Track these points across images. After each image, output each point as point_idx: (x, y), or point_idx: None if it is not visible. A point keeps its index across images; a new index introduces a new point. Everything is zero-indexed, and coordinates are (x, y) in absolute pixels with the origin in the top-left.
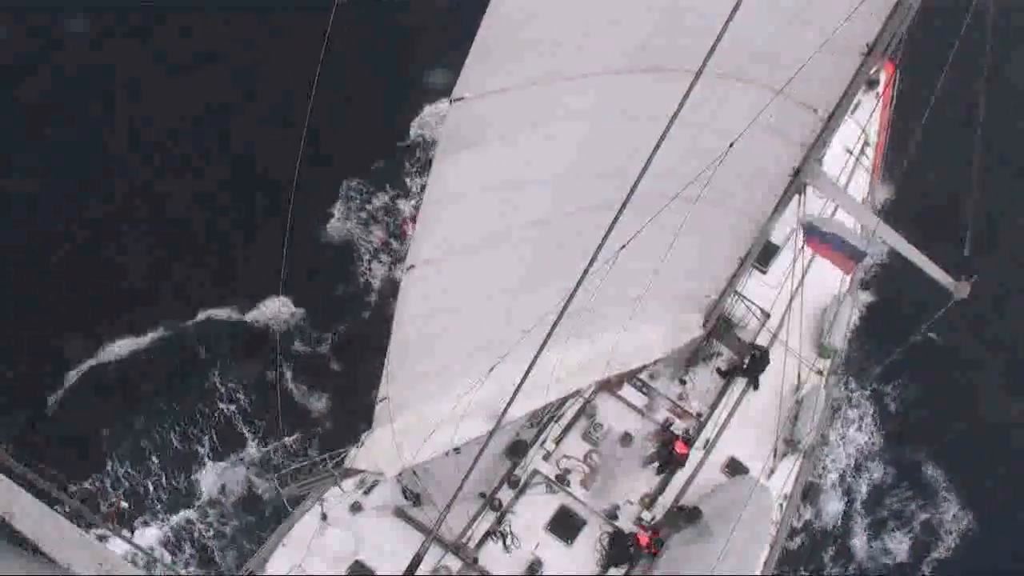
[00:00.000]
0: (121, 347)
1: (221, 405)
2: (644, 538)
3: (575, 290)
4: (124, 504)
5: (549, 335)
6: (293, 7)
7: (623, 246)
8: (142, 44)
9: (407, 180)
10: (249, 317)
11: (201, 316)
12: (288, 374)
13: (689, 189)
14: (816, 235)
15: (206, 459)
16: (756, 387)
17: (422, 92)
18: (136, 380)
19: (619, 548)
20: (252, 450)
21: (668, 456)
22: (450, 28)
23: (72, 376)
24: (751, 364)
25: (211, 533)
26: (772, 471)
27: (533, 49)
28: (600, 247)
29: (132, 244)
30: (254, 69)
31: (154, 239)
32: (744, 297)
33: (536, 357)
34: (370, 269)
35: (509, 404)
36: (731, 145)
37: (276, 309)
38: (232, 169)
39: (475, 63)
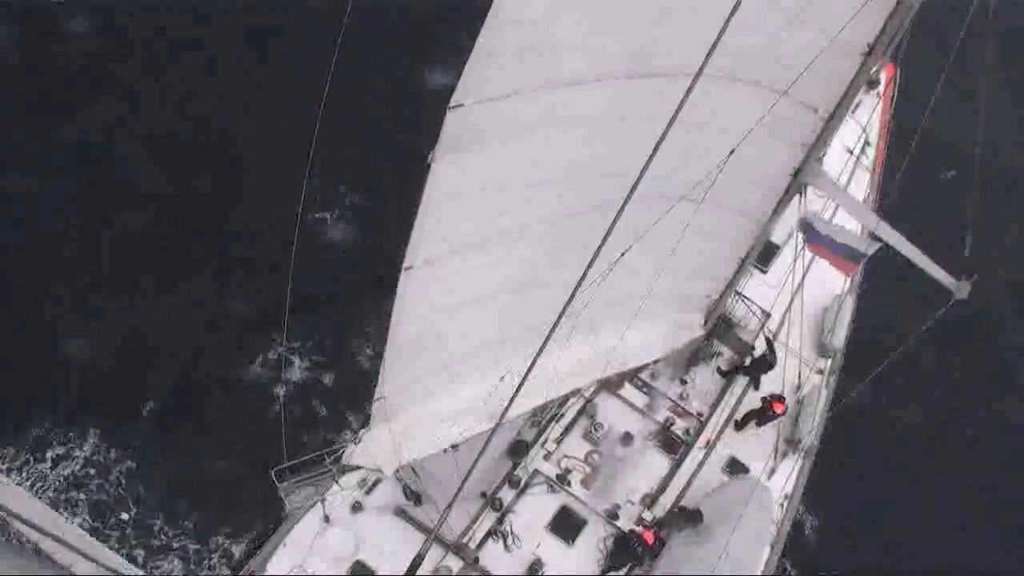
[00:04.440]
0: (120, 346)
1: (223, 406)
2: (649, 535)
3: (575, 291)
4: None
5: (549, 336)
6: (294, 7)
7: (622, 254)
8: (143, 44)
9: (406, 182)
10: (250, 317)
11: (202, 313)
12: (287, 373)
13: (692, 192)
14: (814, 237)
15: (204, 460)
16: (757, 387)
17: (422, 92)
18: (135, 378)
19: (622, 551)
20: (251, 449)
21: (768, 417)
22: (451, 29)
23: (71, 376)
24: (753, 364)
25: (210, 533)
26: (773, 471)
27: (532, 53)
28: (599, 248)
29: (132, 244)
30: (255, 69)
31: (154, 239)
32: (744, 297)
33: (536, 358)
34: (369, 268)
35: (509, 404)
36: (730, 153)
37: (278, 308)
38: (233, 168)
39: (474, 69)
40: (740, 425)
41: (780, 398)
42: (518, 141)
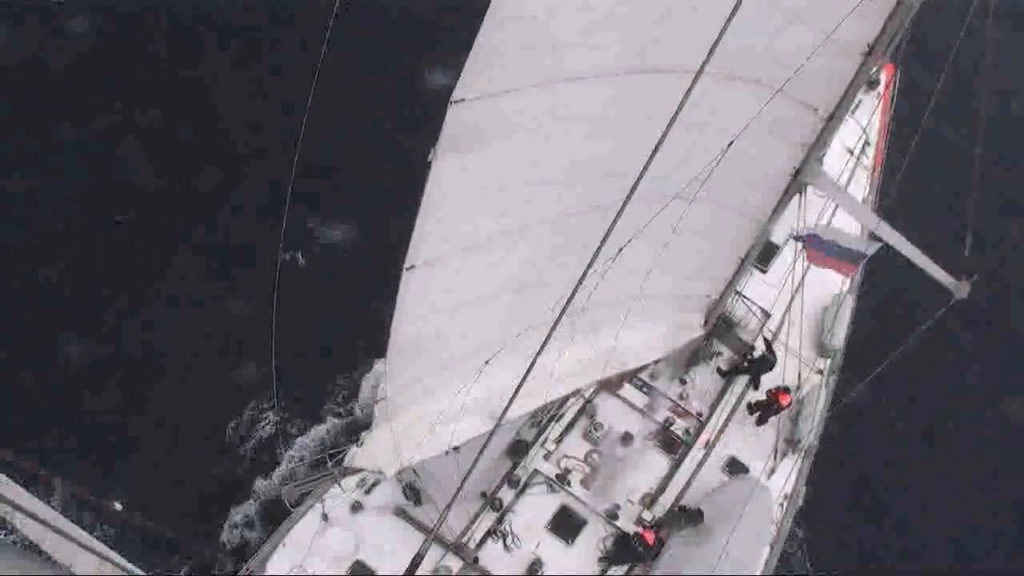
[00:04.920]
0: (119, 346)
1: (222, 406)
2: (650, 536)
3: (575, 290)
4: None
5: (549, 335)
6: (295, 6)
7: (620, 250)
8: (143, 44)
9: (406, 182)
10: (249, 317)
11: (200, 314)
12: (288, 374)
13: (689, 189)
14: (813, 246)
15: (205, 460)
16: (757, 387)
17: (422, 92)
18: (135, 379)
19: (622, 550)
20: (252, 451)
21: (773, 410)
22: (451, 29)
23: (72, 376)
24: (753, 364)
25: (210, 534)
26: (773, 471)
27: (532, 50)
28: (600, 248)
29: (132, 244)
30: (256, 68)
31: (153, 239)
32: (744, 297)
33: (536, 357)
34: (368, 268)
35: (509, 404)
36: (728, 145)
37: (274, 309)
38: (232, 168)
39: (475, 65)
40: (753, 410)
41: (786, 390)
42: (519, 139)
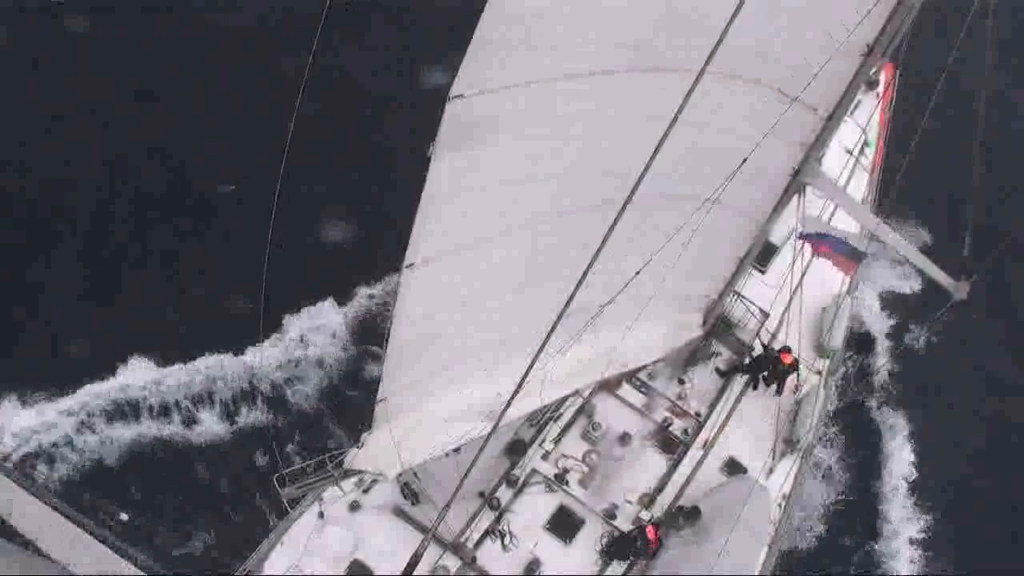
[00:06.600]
0: (119, 346)
1: (221, 407)
2: (652, 532)
3: (575, 290)
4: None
5: (549, 336)
6: (297, 5)
7: (640, 270)
8: (143, 44)
9: (405, 179)
10: (249, 317)
11: (197, 314)
12: (288, 375)
13: (689, 191)
14: (816, 238)
15: (204, 461)
16: (755, 387)
17: (421, 92)
18: (134, 378)
19: (620, 547)
20: (250, 451)
21: (779, 372)
22: (449, 27)
23: (72, 376)
24: (752, 363)
25: (209, 533)
26: (771, 471)
27: (532, 47)
28: (600, 248)
29: (131, 243)
30: (257, 68)
31: (152, 239)
32: (743, 297)
33: (535, 358)
34: (367, 269)
35: (508, 404)
36: (740, 165)
37: (277, 311)
38: (232, 168)
39: (473, 60)
40: (768, 382)
41: (787, 349)
42: (517, 136)
